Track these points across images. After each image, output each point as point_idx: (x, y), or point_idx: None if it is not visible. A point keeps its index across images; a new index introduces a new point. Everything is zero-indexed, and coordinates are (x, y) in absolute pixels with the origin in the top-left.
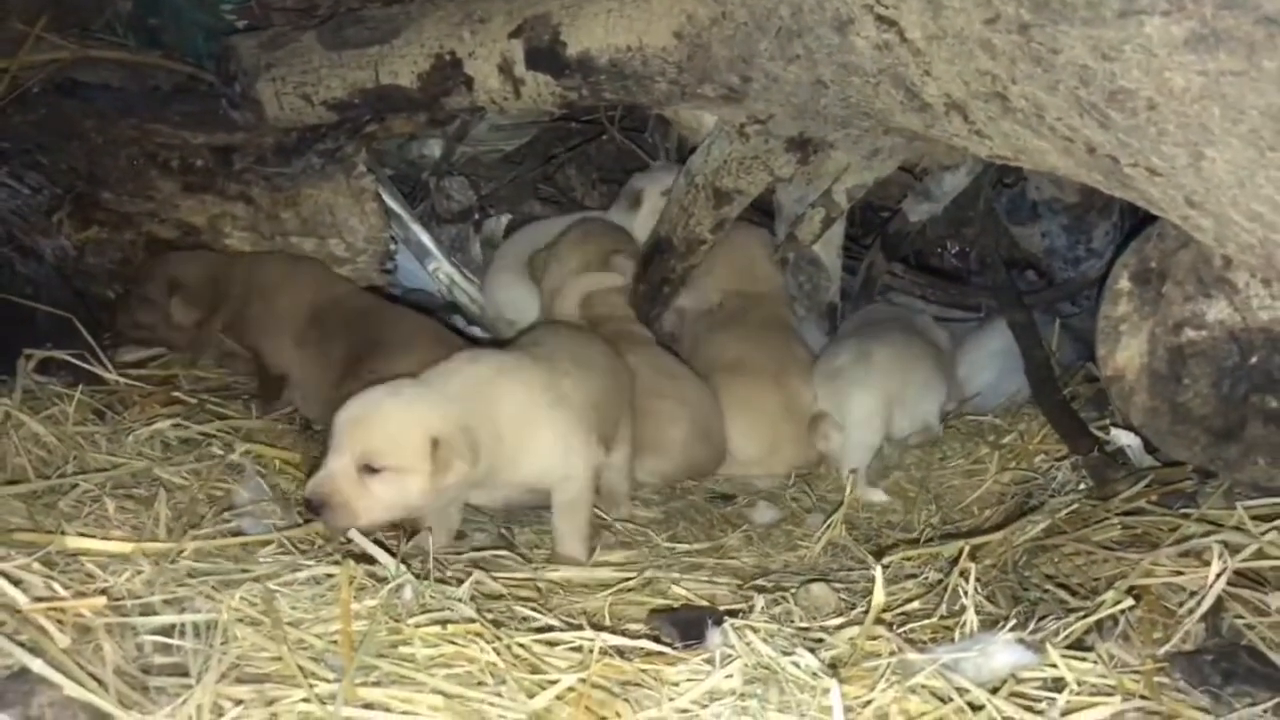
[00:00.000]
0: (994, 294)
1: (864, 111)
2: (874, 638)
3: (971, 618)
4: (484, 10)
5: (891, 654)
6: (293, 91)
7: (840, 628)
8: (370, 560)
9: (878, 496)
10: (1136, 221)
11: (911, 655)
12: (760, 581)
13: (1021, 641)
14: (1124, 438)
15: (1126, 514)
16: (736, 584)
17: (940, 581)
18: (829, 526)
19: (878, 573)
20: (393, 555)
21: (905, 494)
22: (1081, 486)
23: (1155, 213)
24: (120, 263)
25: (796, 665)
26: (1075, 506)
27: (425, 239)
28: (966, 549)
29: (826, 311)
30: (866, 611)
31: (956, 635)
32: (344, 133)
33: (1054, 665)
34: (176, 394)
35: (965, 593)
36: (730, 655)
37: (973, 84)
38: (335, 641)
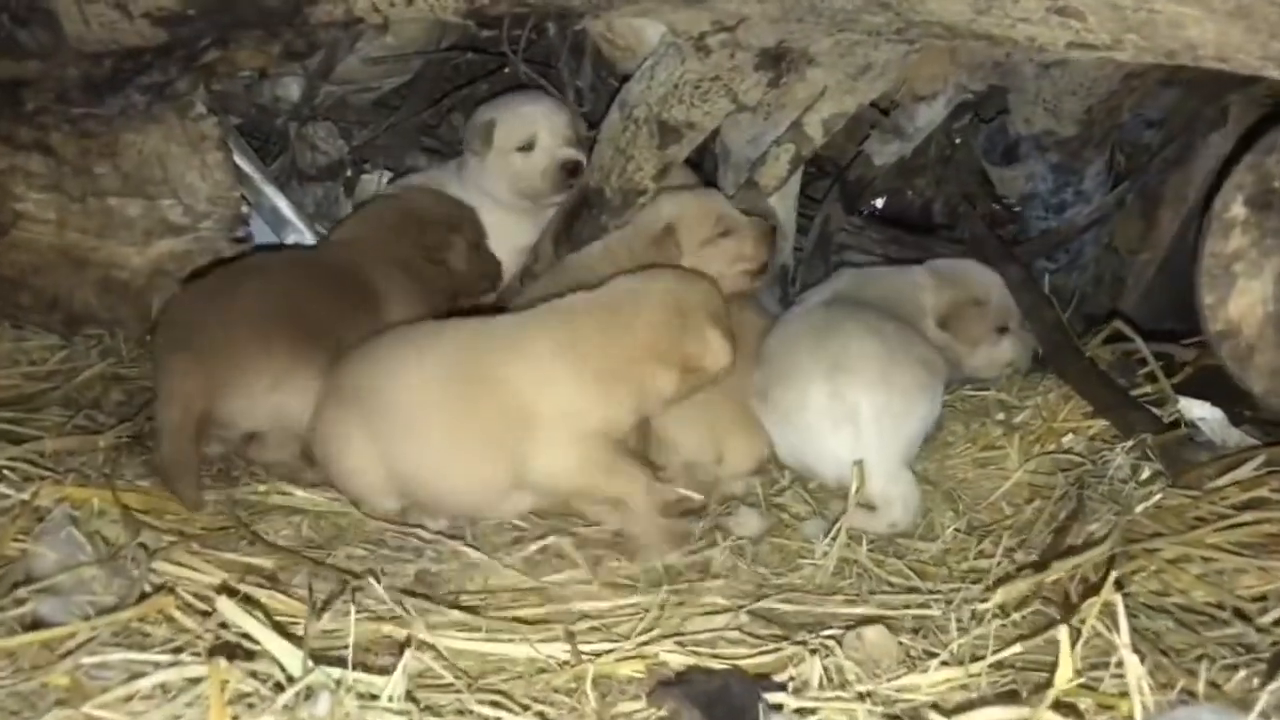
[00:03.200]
0: (975, 248)
1: (881, 2)
2: None
3: (1139, 679)
4: None
5: None
6: (102, 0)
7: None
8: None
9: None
10: (1134, 163)
11: None
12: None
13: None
14: (1196, 409)
15: (1244, 507)
16: (742, 623)
17: (1051, 622)
18: (834, 536)
19: (1063, 638)
20: (295, 642)
21: None
22: (1146, 474)
23: None
24: None
25: None
26: (1158, 500)
27: (282, 204)
28: (1113, 577)
29: (779, 275)
30: (949, 663)
31: (1134, 711)
32: (175, 62)
33: None
34: None
35: (1118, 638)
36: None
37: None
38: None
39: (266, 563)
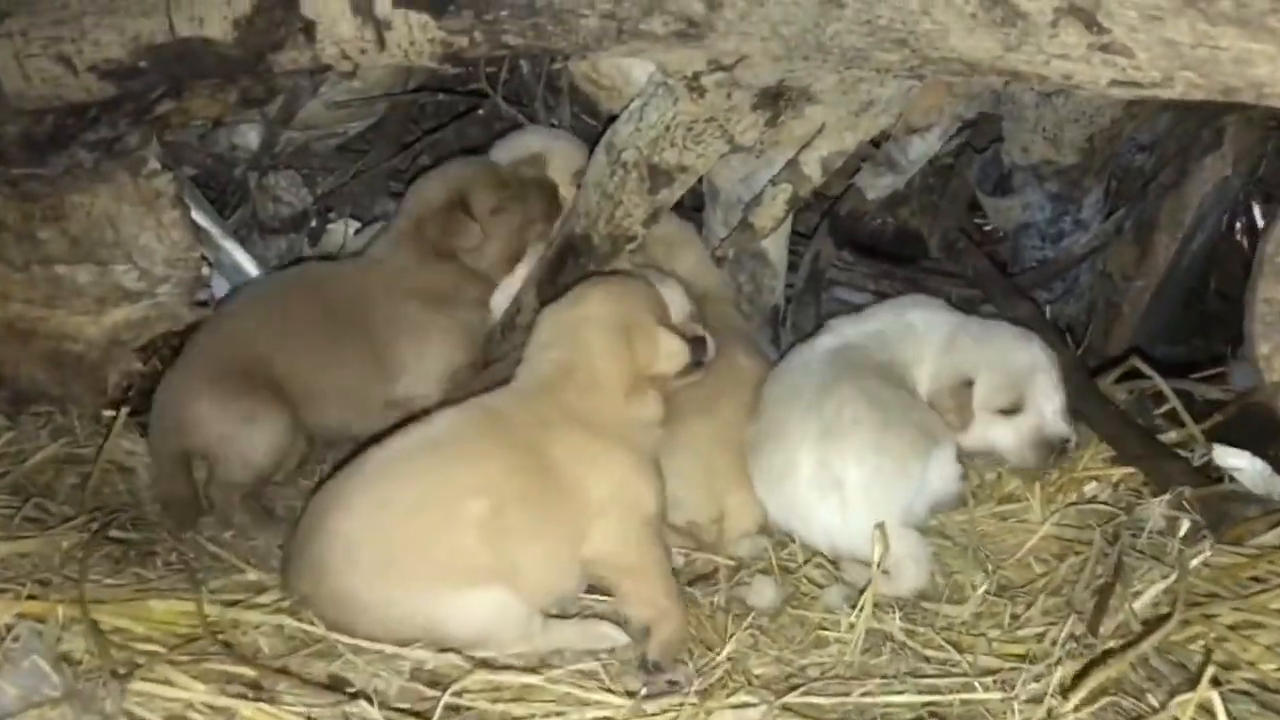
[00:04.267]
0: (979, 283)
1: (897, 39)
2: None
3: None
4: None
5: None
6: (43, 52)
7: None
8: None
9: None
10: (1126, 188)
11: None
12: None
13: None
14: (1233, 458)
15: None
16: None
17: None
18: (861, 608)
19: None
20: None
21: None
22: (1186, 528)
23: None
24: None
25: None
26: (1206, 557)
27: (243, 260)
28: (1209, 673)
29: (770, 316)
30: None
31: None
32: (125, 116)
33: None
34: None
35: None
36: None
37: None
38: None
39: (249, 671)
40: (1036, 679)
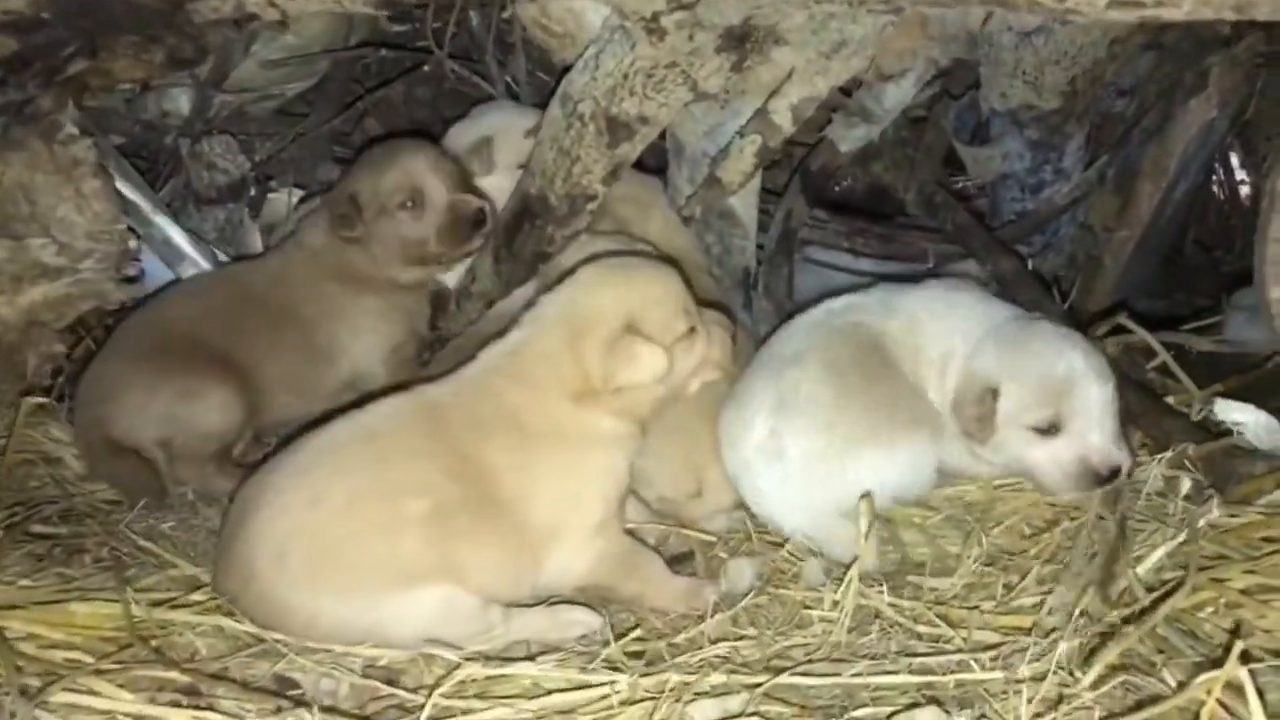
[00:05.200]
0: (960, 238)
1: None
2: None
3: None
4: None
5: None
6: None
7: None
8: None
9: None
10: (1106, 135)
11: None
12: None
13: None
14: (1235, 413)
15: None
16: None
17: (1151, 698)
18: (847, 585)
19: None
20: None
21: (912, 520)
22: (1187, 488)
23: None
24: None
25: None
26: (1214, 518)
27: (175, 235)
28: (1238, 649)
29: (740, 278)
30: None
31: None
32: (34, 76)
33: None
34: None
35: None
36: None
37: None
38: None
39: (182, 677)
40: (1041, 656)
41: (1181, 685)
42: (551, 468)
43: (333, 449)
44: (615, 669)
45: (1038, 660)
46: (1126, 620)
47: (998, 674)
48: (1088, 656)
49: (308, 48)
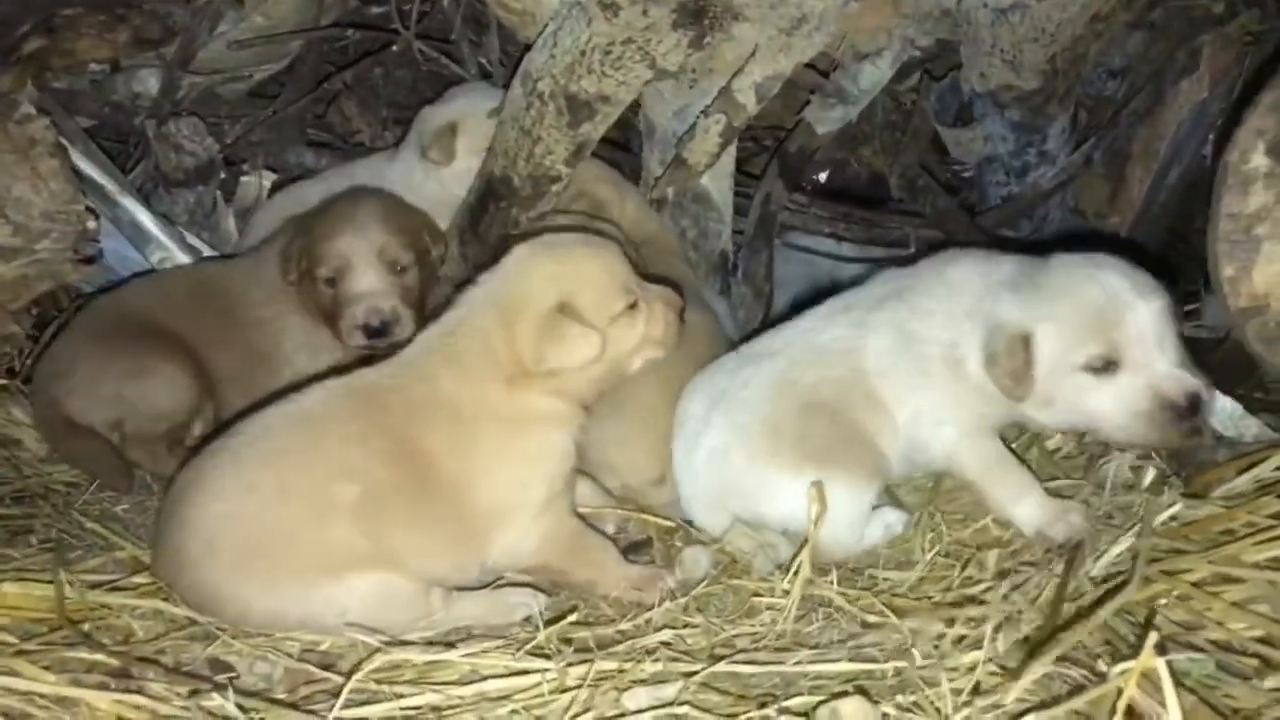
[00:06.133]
0: (938, 222)
1: None
2: None
3: None
4: None
5: None
6: None
7: None
8: None
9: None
10: (1097, 118)
11: None
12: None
13: None
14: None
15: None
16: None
17: (1074, 688)
18: (796, 571)
19: None
20: None
21: None
22: (1151, 478)
23: None
24: None
25: None
26: (1176, 510)
27: (143, 217)
28: (1153, 640)
29: (718, 263)
30: None
31: None
32: None
33: None
34: None
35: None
36: None
37: None
38: None
39: (110, 660)
40: (971, 647)
41: (1100, 676)
42: (490, 450)
43: (266, 434)
44: (545, 656)
45: (971, 653)
46: (1077, 614)
47: (927, 662)
48: (1034, 649)
49: (275, 28)
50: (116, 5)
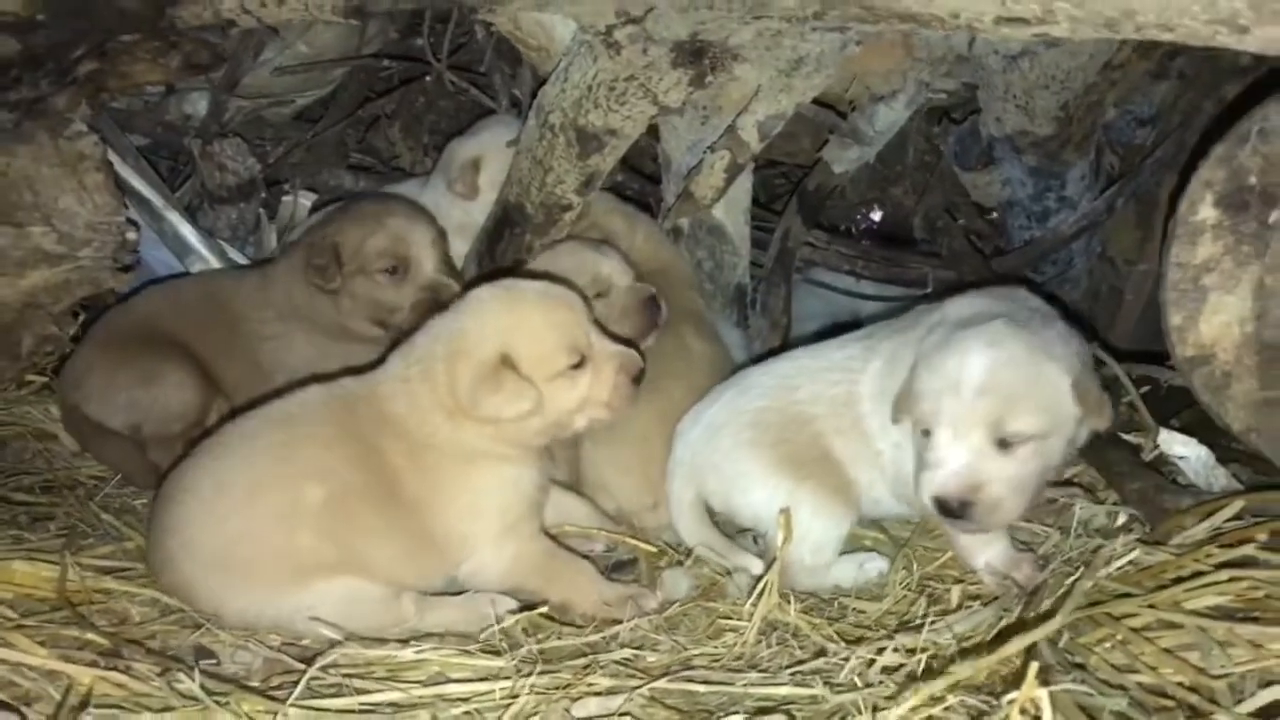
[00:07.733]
0: (952, 263)
1: None
2: None
3: None
4: None
5: None
6: None
7: None
8: None
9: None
10: (1127, 165)
11: None
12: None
13: None
14: (1179, 446)
15: (1228, 565)
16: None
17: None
18: (761, 595)
19: None
20: None
21: (863, 542)
22: (1122, 522)
23: None
24: None
25: None
26: (1133, 556)
27: (186, 231)
28: (1034, 670)
29: (735, 295)
30: None
31: None
32: (46, 75)
33: None
34: None
35: None
36: None
37: None
38: None
39: (100, 639)
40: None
41: (992, 707)
42: (442, 476)
43: (245, 436)
44: (496, 653)
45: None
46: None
47: (824, 690)
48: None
49: (317, 56)
50: (170, 32)
